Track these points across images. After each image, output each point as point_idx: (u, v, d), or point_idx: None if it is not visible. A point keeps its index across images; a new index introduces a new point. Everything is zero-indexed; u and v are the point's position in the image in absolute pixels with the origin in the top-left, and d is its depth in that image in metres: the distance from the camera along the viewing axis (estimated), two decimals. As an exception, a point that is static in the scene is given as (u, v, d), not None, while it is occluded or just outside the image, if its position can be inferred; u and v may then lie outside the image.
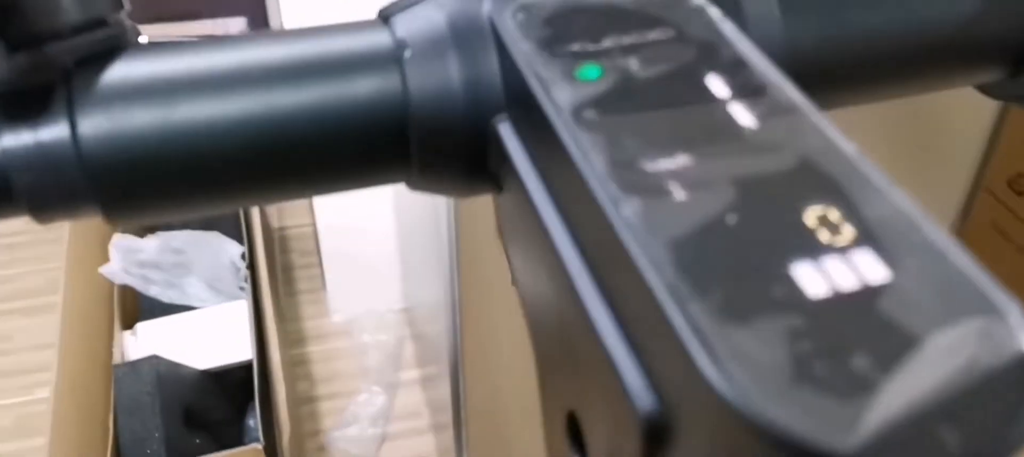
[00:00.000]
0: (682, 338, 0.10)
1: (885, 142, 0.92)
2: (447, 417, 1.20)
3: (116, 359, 1.15)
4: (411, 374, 1.49)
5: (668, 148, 0.13)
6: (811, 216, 0.12)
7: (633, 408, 0.12)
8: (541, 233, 0.15)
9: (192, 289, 1.23)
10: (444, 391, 1.16)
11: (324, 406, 1.46)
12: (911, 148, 0.99)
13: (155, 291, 1.22)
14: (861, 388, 0.09)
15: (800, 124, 0.14)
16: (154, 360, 1.05)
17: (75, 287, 1.17)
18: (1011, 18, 0.23)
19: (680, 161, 0.13)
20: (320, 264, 1.60)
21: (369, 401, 1.43)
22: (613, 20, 0.17)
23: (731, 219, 0.12)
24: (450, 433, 1.14)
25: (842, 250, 0.11)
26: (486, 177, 0.19)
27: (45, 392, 1.06)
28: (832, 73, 0.22)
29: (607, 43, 0.16)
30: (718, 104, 0.14)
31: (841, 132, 0.13)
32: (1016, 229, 1.59)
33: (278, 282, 1.57)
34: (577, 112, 0.14)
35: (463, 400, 1.09)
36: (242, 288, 1.26)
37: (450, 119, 0.19)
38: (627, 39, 0.16)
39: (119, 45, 0.19)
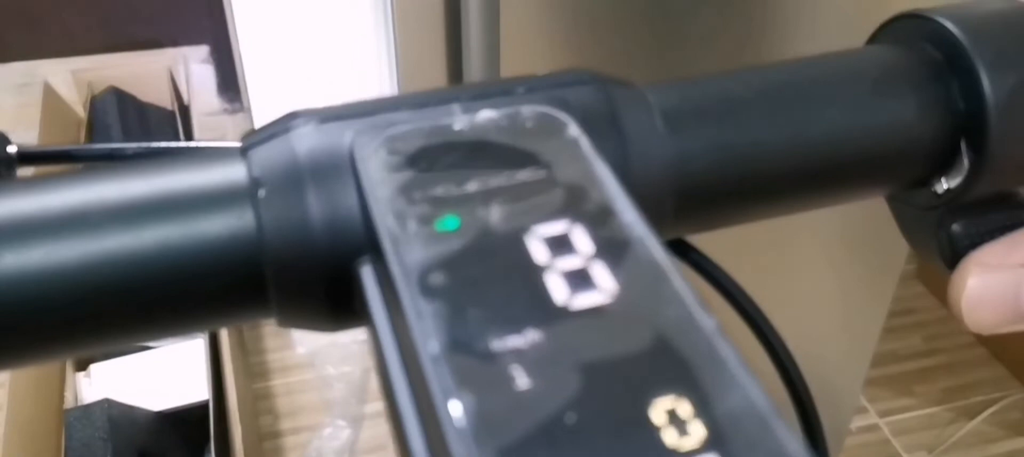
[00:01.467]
0: None
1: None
2: (411, 452, 1.19)
3: (69, 402, 1.12)
4: (376, 407, 1.47)
5: (516, 322, 0.12)
6: (659, 410, 0.11)
7: None
8: (392, 400, 0.14)
9: (147, 328, 1.20)
10: (408, 426, 1.14)
11: (288, 441, 1.43)
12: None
13: (109, 330, 1.19)
14: None
15: (661, 292, 0.13)
16: (106, 404, 1.02)
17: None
18: (906, 131, 0.22)
19: (527, 338, 0.12)
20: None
21: (334, 435, 1.41)
22: (482, 158, 0.16)
23: (571, 417, 0.11)
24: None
25: (688, 456, 0.10)
26: (354, 314, 0.18)
27: (-5, 437, 1.03)
28: (723, 194, 0.21)
29: (472, 186, 0.15)
30: (578, 264, 0.13)
31: (702, 303, 0.12)
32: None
33: (240, 315, 1.55)
34: (424, 276, 0.13)
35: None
36: (199, 325, 1.24)
37: (308, 260, 0.17)
38: (495, 181, 0.15)
39: None
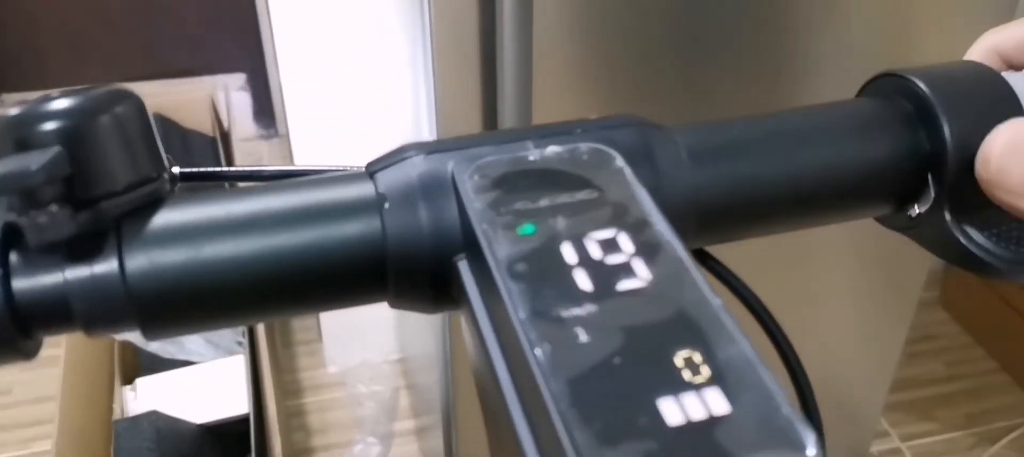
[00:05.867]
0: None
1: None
2: (441, 468, 1.23)
3: (116, 414, 1.18)
4: (406, 425, 1.51)
5: (578, 298, 0.17)
6: (680, 358, 0.16)
7: None
8: (486, 355, 0.19)
9: (191, 344, 1.26)
10: (438, 441, 1.18)
11: (320, 457, 1.48)
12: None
13: (155, 347, 1.24)
14: None
15: (683, 279, 0.18)
16: (154, 415, 1.07)
17: (76, 341, 1.20)
18: (884, 167, 0.27)
19: (586, 309, 0.17)
20: (316, 315, 1.64)
21: (364, 452, 1.45)
22: (550, 182, 0.21)
23: (618, 360, 0.16)
24: (443, 484, 1.16)
25: (698, 387, 0.15)
26: (450, 300, 0.23)
27: (45, 445, 1.08)
28: (735, 213, 0.26)
29: (543, 202, 0.20)
30: (623, 260, 0.18)
31: (711, 288, 0.17)
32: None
33: (275, 334, 1.60)
34: (511, 265, 0.18)
35: (456, 451, 1.12)
36: (239, 342, 1.29)
37: (420, 258, 0.23)
38: (560, 199, 0.21)
39: (161, 197, 0.24)
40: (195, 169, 0.27)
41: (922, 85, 0.27)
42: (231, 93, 1.94)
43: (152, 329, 0.23)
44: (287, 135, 1.40)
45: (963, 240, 0.26)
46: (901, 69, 0.28)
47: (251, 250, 0.23)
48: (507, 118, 0.77)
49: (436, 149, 0.24)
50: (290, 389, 1.58)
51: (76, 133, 0.21)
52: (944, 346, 1.71)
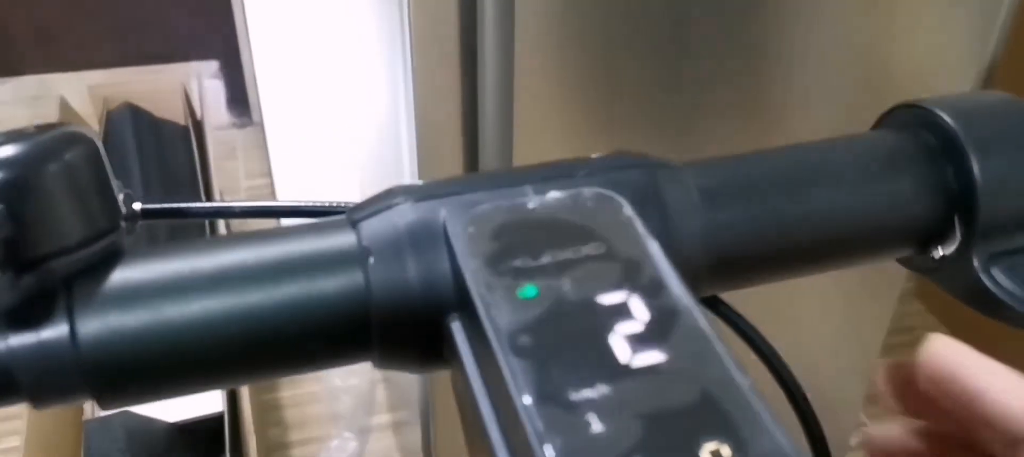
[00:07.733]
0: None
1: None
2: (419, 463, 1.21)
3: (87, 413, 1.15)
4: (383, 419, 1.49)
5: (590, 378, 0.15)
6: (706, 452, 0.14)
7: None
8: (486, 436, 0.17)
9: (163, 341, 1.23)
10: (416, 436, 1.17)
11: (296, 452, 1.46)
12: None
13: (126, 343, 1.21)
14: None
15: (706, 354, 0.16)
16: (124, 415, 1.05)
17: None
18: (907, 207, 0.25)
19: (599, 391, 0.15)
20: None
21: (341, 447, 1.44)
22: (553, 234, 0.19)
23: (639, 456, 0.14)
24: (422, 480, 1.15)
25: None
26: (441, 360, 0.21)
27: (16, 441, 1.05)
28: (750, 258, 0.24)
29: (545, 259, 0.18)
30: (637, 329, 0.17)
31: (738, 364, 0.15)
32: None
33: (250, 328, 1.57)
34: (513, 338, 0.16)
35: (433, 445, 1.10)
36: (214, 338, 1.27)
37: (408, 316, 0.21)
38: (564, 254, 0.19)
39: (116, 252, 0.21)
40: (157, 205, 0.24)
41: (948, 118, 0.25)
42: (204, 81, 1.90)
43: (109, 399, 0.20)
44: (261, 123, 1.37)
45: (991, 287, 0.25)
46: (923, 100, 0.26)
47: (219, 310, 0.20)
48: (487, 106, 0.75)
49: (426, 195, 0.22)
50: (266, 384, 1.56)
51: (19, 187, 0.19)
52: (921, 337, 1.70)
